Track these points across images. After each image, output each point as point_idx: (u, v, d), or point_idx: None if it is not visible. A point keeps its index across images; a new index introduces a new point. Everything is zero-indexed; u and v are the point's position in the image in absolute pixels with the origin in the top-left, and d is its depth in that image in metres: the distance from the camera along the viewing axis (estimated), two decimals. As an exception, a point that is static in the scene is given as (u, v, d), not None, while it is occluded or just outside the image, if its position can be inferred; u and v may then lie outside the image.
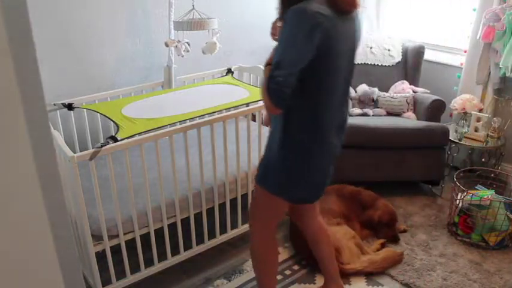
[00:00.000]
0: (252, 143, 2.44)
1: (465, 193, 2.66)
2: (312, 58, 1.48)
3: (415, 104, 3.32)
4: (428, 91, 3.39)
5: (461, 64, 3.36)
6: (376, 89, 3.40)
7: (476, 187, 2.82)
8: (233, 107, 2.38)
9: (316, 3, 1.45)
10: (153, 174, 2.23)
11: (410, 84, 3.46)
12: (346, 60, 1.62)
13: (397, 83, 3.49)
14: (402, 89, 3.41)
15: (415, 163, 3.06)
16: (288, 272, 2.44)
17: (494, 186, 2.89)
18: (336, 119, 1.71)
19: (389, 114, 3.35)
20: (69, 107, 2.47)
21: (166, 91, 2.73)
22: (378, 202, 2.73)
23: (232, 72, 3.13)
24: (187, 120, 2.35)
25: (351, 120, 3.08)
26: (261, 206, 1.87)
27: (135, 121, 2.18)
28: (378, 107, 3.37)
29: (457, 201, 2.68)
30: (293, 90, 1.51)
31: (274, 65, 1.49)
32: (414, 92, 3.39)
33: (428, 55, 3.57)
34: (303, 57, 1.48)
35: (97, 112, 2.40)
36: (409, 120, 3.18)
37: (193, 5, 2.71)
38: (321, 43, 1.46)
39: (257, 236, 1.92)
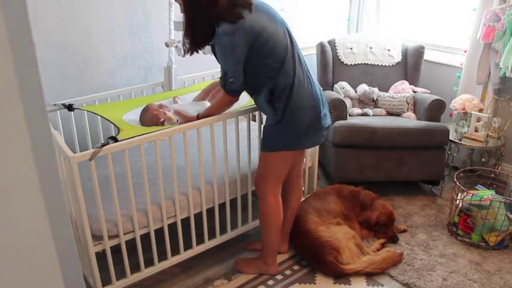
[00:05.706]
0: (252, 143, 2.44)
1: (465, 193, 2.66)
2: (247, 56, 1.98)
3: (415, 104, 3.32)
4: (428, 91, 3.39)
5: (461, 64, 3.36)
6: (376, 89, 3.40)
7: (476, 187, 2.82)
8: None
9: (222, 28, 1.93)
10: (153, 174, 2.23)
11: (410, 84, 3.46)
12: (274, 38, 2.01)
13: (397, 83, 3.49)
14: (402, 89, 3.41)
15: (415, 163, 3.06)
16: (288, 272, 2.44)
17: (494, 186, 2.89)
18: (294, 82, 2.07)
19: (389, 114, 3.35)
20: (69, 107, 2.46)
21: (167, 95, 2.72)
22: (376, 202, 2.73)
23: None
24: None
25: (351, 120, 3.10)
26: (268, 166, 2.23)
27: (136, 128, 2.20)
28: (377, 107, 3.37)
29: (457, 201, 2.68)
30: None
31: (223, 74, 2.07)
32: (414, 92, 3.39)
33: (428, 55, 3.57)
34: (239, 61, 1.99)
35: (97, 115, 2.40)
36: (409, 120, 3.18)
37: (193, 5, 2.70)
38: (246, 41, 1.95)
39: (269, 195, 2.25)
